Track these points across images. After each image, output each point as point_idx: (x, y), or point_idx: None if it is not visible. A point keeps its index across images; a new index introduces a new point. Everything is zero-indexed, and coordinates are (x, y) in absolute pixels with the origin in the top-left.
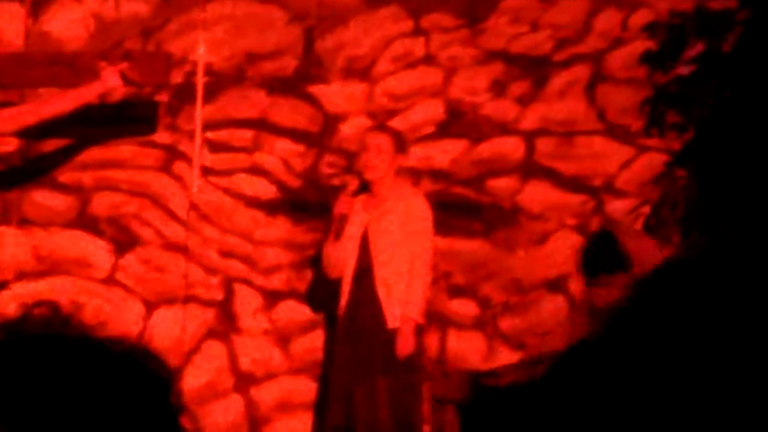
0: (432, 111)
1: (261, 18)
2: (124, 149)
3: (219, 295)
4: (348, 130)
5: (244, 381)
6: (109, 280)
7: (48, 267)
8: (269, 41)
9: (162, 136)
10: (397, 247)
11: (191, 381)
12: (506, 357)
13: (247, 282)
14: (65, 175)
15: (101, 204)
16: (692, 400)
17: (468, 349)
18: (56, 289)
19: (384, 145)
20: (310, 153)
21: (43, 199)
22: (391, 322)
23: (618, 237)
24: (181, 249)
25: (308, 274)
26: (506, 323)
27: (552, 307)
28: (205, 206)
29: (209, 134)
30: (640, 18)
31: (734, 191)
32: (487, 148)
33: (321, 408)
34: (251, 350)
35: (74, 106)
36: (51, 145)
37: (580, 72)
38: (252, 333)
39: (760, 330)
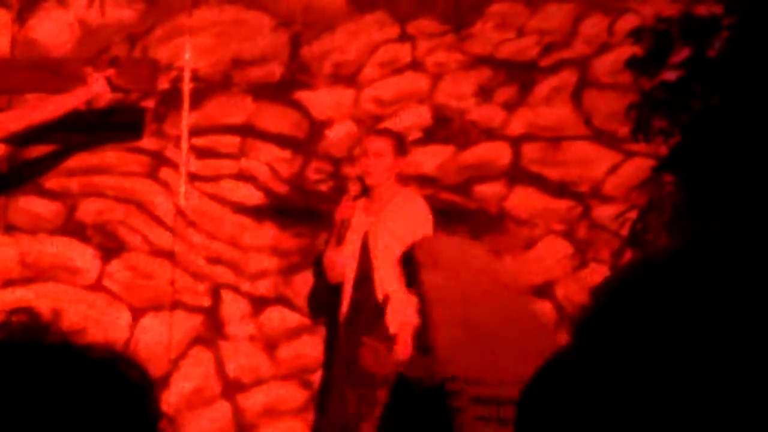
0: (418, 117)
1: (247, 24)
2: (111, 155)
3: (206, 302)
4: (334, 135)
5: (231, 387)
6: (96, 287)
7: (34, 273)
8: (256, 47)
9: (148, 142)
10: (397, 252)
11: (178, 387)
12: None
13: (234, 288)
14: (51, 182)
15: (88, 210)
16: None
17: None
18: (42, 296)
19: (384, 149)
20: (297, 159)
21: (29, 205)
22: (391, 328)
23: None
24: (168, 255)
25: (296, 280)
26: None
27: (539, 313)
28: (192, 212)
29: (196, 140)
30: (626, 23)
31: (721, 196)
32: (473, 154)
33: (320, 412)
34: (238, 356)
35: (61, 113)
36: (37, 151)
37: (567, 77)
38: (239, 339)
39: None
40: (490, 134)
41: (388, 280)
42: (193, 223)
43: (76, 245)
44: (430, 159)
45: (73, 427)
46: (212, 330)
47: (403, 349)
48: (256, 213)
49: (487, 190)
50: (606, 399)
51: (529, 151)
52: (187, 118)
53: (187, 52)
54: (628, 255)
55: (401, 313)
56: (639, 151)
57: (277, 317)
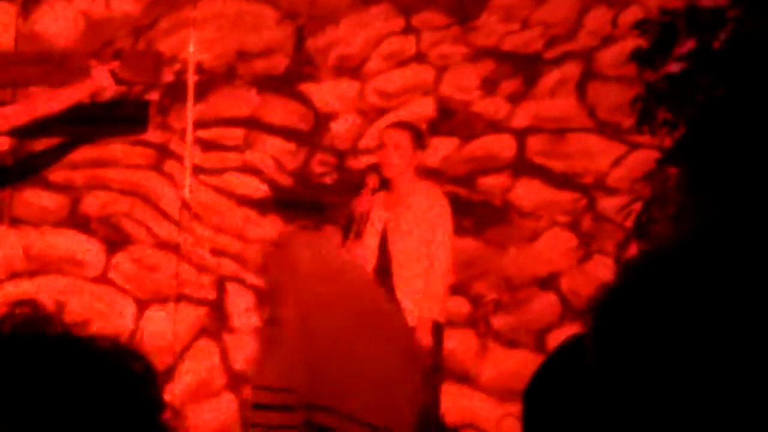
0: (423, 109)
1: (252, 16)
2: (115, 148)
3: (211, 294)
4: (339, 128)
5: (236, 379)
6: (101, 279)
7: (39, 266)
8: (260, 39)
9: (153, 135)
10: (416, 246)
11: (183, 379)
12: (498, 355)
13: (239, 280)
14: (56, 174)
15: (92, 203)
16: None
17: (460, 347)
18: (47, 289)
19: (402, 142)
20: (302, 151)
21: (34, 198)
22: (409, 321)
23: None
24: (173, 248)
25: None
26: (498, 321)
27: (544, 305)
28: (197, 205)
29: (200, 133)
30: (630, 15)
31: (726, 187)
32: (478, 146)
33: None
34: (243, 349)
35: (65, 105)
36: (42, 144)
37: (571, 70)
38: (244, 331)
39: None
40: (495, 126)
41: (406, 274)
42: (198, 215)
43: (80, 238)
44: (434, 151)
45: (78, 419)
46: (217, 322)
47: (424, 341)
48: (261, 205)
49: (492, 182)
50: (613, 392)
51: (534, 143)
52: (191, 111)
53: (192, 45)
54: (632, 247)
55: (420, 307)
56: (643, 143)
57: None
